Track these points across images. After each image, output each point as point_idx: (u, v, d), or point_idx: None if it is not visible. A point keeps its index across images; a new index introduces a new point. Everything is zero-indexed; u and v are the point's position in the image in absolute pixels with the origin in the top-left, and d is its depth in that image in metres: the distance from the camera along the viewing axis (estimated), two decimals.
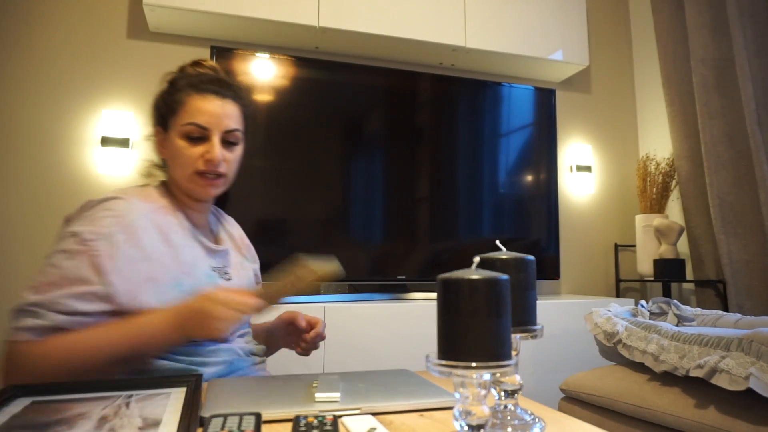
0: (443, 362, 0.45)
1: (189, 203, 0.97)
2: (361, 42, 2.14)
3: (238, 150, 0.98)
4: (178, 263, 0.87)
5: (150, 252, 0.84)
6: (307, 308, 1.71)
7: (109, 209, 0.85)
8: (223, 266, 0.98)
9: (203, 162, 0.91)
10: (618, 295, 2.53)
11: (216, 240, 1.03)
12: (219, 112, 0.92)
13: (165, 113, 0.94)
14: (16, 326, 0.74)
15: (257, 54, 1.98)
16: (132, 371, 0.80)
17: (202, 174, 0.92)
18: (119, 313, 0.80)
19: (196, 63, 1.00)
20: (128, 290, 0.80)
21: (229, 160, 0.95)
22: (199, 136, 0.91)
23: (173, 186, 0.97)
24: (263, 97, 1.97)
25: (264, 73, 1.98)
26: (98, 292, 0.78)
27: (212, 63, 1.01)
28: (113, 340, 0.77)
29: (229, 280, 0.97)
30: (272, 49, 2.15)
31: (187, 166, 0.91)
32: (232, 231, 1.11)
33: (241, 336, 0.97)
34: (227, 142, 0.94)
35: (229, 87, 0.95)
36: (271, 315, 1.01)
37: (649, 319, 1.50)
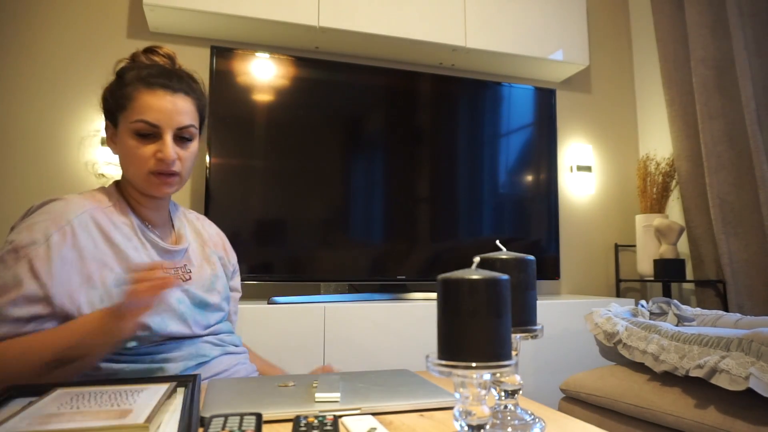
0: (443, 362, 0.45)
1: (143, 201, 0.94)
2: (361, 42, 2.14)
3: (193, 146, 0.93)
4: (120, 262, 0.85)
5: (88, 252, 0.82)
6: (307, 308, 1.71)
7: (45, 212, 0.84)
8: (183, 265, 0.96)
9: (155, 161, 0.88)
10: (618, 295, 2.53)
11: (177, 239, 1.00)
12: (170, 108, 0.88)
13: (113, 108, 0.90)
14: None
15: (257, 54, 1.98)
16: (87, 376, 0.79)
17: (156, 173, 0.88)
18: (62, 317, 0.78)
19: (149, 50, 0.96)
20: (66, 291, 0.79)
21: (183, 157, 0.91)
22: (149, 133, 0.87)
23: (126, 184, 0.94)
24: (263, 97, 1.97)
25: (264, 73, 1.98)
26: (32, 295, 0.77)
27: (167, 51, 0.97)
28: (49, 343, 0.75)
29: (187, 280, 0.94)
30: (272, 49, 2.15)
31: (139, 166, 0.88)
32: (203, 230, 1.07)
33: (215, 333, 0.96)
34: (180, 138, 0.90)
35: (180, 80, 0.91)
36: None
37: (649, 319, 1.50)
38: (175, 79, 0.90)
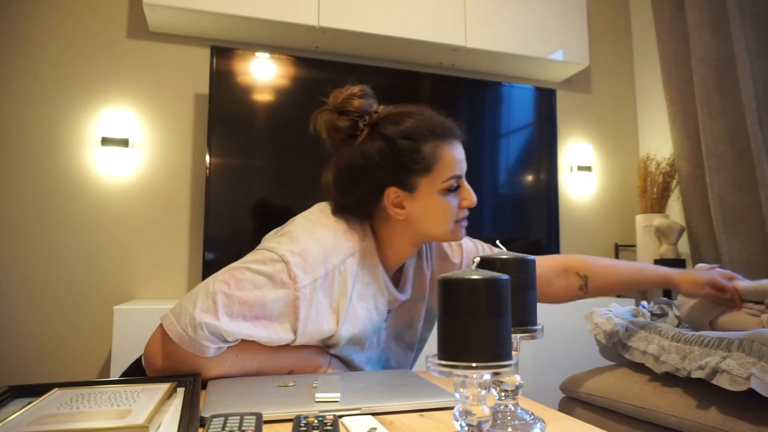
0: (443, 362, 0.45)
1: (402, 252, 0.92)
2: (361, 42, 2.14)
3: None
4: (354, 317, 0.84)
5: (337, 301, 0.82)
6: None
7: (318, 242, 0.82)
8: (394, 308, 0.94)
9: (461, 210, 0.89)
10: (618, 296, 2.53)
11: (400, 281, 0.96)
12: (464, 156, 0.89)
13: (410, 171, 0.86)
14: (200, 341, 0.72)
15: (257, 54, 1.98)
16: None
17: (459, 221, 0.90)
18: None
19: (350, 97, 0.92)
20: (305, 339, 0.80)
21: None
22: (457, 186, 0.87)
23: (398, 237, 0.90)
24: (263, 97, 1.97)
25: (264, 73, 1.98)
26: (283, 341, 0.78)
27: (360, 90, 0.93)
28: (263, 365, 0.80)
29: (386, 320, 0.93)
30: (272, 49, 2.15)
31: (449, 221, 0.88)
32: (426, 267, 1.02)
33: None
34: None
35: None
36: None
37: (650, 320, 1.50)
38: (454, 124, 0.90)
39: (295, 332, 0.78)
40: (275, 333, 0.77)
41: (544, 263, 1.11)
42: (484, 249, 1.09)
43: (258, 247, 0.84)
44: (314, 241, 0.82)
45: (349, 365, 0.89)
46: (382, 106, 0.92)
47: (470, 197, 0.89)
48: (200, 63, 2.08)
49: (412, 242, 0.91)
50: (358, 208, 0.90)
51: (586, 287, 1.13)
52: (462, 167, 0.88)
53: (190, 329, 0.72)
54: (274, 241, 0.82)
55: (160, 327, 0.76)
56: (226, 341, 0.74)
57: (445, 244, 1.04)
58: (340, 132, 0.90)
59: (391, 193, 0.87)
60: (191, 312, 0.72)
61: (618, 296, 2.52)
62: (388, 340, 0.95)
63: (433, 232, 0.88)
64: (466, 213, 0.90)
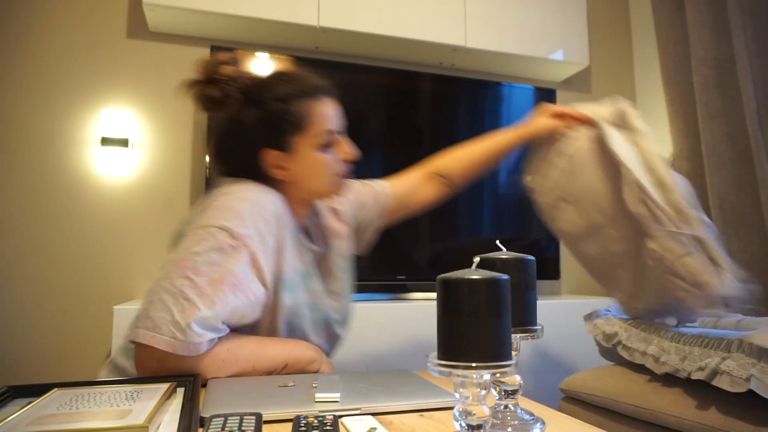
0: (443, 362, 0.45)
1: (299, 211, 0.96)
2: (361, 42, 2.14)
3: None
4: (291, 256, 0.88)
5: (279, 241, 0.85)
6: None
7: (245, 200, 0.83)
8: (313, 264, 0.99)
9: (340, 164, 0.93)
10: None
11: (310, 238, 1.02)
12: (337, 112, 0.93)
13: (285, 132, 0.89)
14: (193, 340, 0.72)
15: (257, 54, 1.98)
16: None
17: (341, 175, 0.94)
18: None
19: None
20: (272, 284, 0.84)
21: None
22: (331, 141, 0.92)
23: (293, 193, 0.94)
24: None
25: (264, 73, 1.98)
26: (261, 299, 0.81)
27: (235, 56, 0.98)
28: (256, 362, 0.81)
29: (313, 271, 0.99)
30: (272, 49, 2.15)
31: (328, 175, 0.92)
32: (324, 223, 1.07)
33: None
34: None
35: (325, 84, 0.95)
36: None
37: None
38: (321, 81, 0.94)
39: (264, 284, 0.82)
40: (251, 293, 0.79)
41: (406, 179, 1.25)
42: (364, 185, 1.17)
43: (185, 232, 0.83)
44: (239, 199, 0.83)
45: (297, 321, 0.91)
46: (253, 74, 0.95)
47: (348, 150, 0.93)
48: None
49: (302, 201, 0.95)
50: (245, 174, 0.92)
51: (452, 182, 1.24)
52: (334, 122, 0.92)
53: (179, 334, 0.72)
54: (201, 219, 0.82)
55: (140, 347, 0.74)
56: (216, 329, 0.75)
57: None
58: (211, 102, 0.91)
59: (271, 156, 0.90)
60: (172, 319, 0.72)
61: None
62: (322, 295, 0.98)
63: (315, 187, 0.93)
64: (345, 166, 0.94)
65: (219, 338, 0.78)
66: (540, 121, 1.22)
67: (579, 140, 1.16)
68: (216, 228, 0.79)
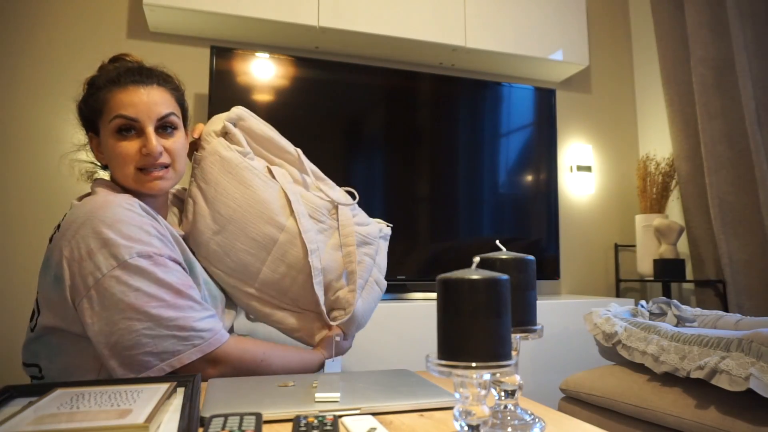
0: (443, 362, 0.45)
1: (145, 199, 0.91)
2: (361, 42, 2.14)
3: (179, 135, 0.91)
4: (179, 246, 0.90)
5: (163, 234, 0.85)
6: None
7: (119, 205, 0.80)
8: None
9: (141, 157, 0.86)
10: (618, 295, 2.53)
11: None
12: (145, 101, 0.86)
13: (91, 116, 0.90)
14: (184, 354, 0.78)
15: (257, 54, 1.98)
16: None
17: (144, 170, 0.87)
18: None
19: (116, 59, 0.96)
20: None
21: (170, 148, 0.88)
22: (130, 128, 0.85)
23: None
24: (263, 97, 1.97)
25: (264, 73, 1.98)
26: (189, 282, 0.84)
27: (135, 57, 0.97)
28: (276, 365, 0.90)
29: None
30: (272, 49, 2.15)
31: (126, 164, 0.86)
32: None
33: None
34: (163, 129, 0.88)
35: (150, 73, 0.90)
36: None
37: (649, 320, 1.50)
38: (145, 73, 0.90)
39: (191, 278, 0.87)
40: (191, 288, 0.83)
41: None
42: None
43: (101, 277, 0.76)
44: (116, 224, 0.78)
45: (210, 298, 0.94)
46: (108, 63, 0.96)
47: (147, 144, 0.85)
48: (200, 63, 2.08)
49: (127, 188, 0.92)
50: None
51: None
52: (131, 109, 0.85)
53: (195, 338, 0.79)
54: (97, 267, 0.76)
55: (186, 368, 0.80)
56: (206, 309, 0.83)
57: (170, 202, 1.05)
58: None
59: (91, 140, 0.93)
60: (168, 348, 0.77)
61: (617, 296, 2.52)
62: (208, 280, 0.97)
63: (118, 176, 0.89)
64: (149, 162, 0.86)
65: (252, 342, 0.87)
66: None
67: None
68: (121, 261, 0.76)
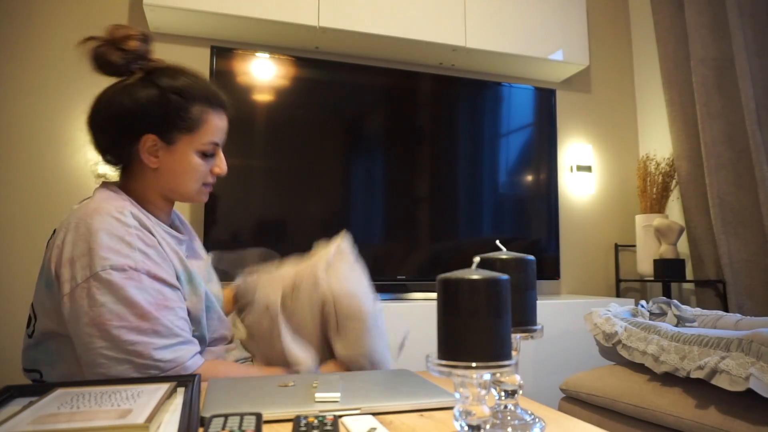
0: (443, 362, 0.45)
1: (164, 206, 0.95)
2: (361, 42, 2.14)
3: None
4: (176, 257, 0.89)
5: (154, 247, 0.85)
6: None
7: (107, 214, 0.80)
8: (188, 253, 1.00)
9: (212, 176, 0.95)
10: (618, 295, 2.53)
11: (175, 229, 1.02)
12: (226, 128, 0.95)
13: (171, 121, 0.88)
14: (172, 366, 0.78)
15: (257, 54, 1.98)
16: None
17: (207, 185, 0.95)
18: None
19: (125, 38, 0.90)
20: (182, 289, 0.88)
21: None
22: (212, 152, 0.93)
23: (148, 190, 0.92)
24: (263, 97, 1.97)
25: (264, 73, 1.98)
26: (182, 300, 0.85)
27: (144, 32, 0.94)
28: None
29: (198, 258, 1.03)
30: (272, 49, 2.15)
31: (197, 180, 0.92)
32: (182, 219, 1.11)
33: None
34: None
35: (226, 102, 0.95)
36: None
37: (649, 320, 1.50)
38: (226, 100, 0.95)
39: (173, 286, 0.84)
40: (172, 301, 0.82)
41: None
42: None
43: (75, 286, 0.77)
44: (98, 233, 0.78)
45: (210, 305, 0.95)
46: (158, 59, 0.95)
47: (222, 165, 0.95)
48: (200, 63, 2.08)
49: (162, 196, 0.94)
50: (111, 149, 0.92)
51: None
52: (221, 136, 0.94)
53: (151, 368, 0.77)
54: (76, 272, 0.77)
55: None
56: (174, 336, 0.80)
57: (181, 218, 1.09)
58: (109, 66, 0.89)
59: (149, 140, 0.89)
60: (122, 373, 0.76)
61: (617, 296, 2.52)
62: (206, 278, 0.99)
63: (182, 188, 0.92)
64: (213, 179, 0.96)
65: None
66: None
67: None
68: (100, 273, 0.76)
